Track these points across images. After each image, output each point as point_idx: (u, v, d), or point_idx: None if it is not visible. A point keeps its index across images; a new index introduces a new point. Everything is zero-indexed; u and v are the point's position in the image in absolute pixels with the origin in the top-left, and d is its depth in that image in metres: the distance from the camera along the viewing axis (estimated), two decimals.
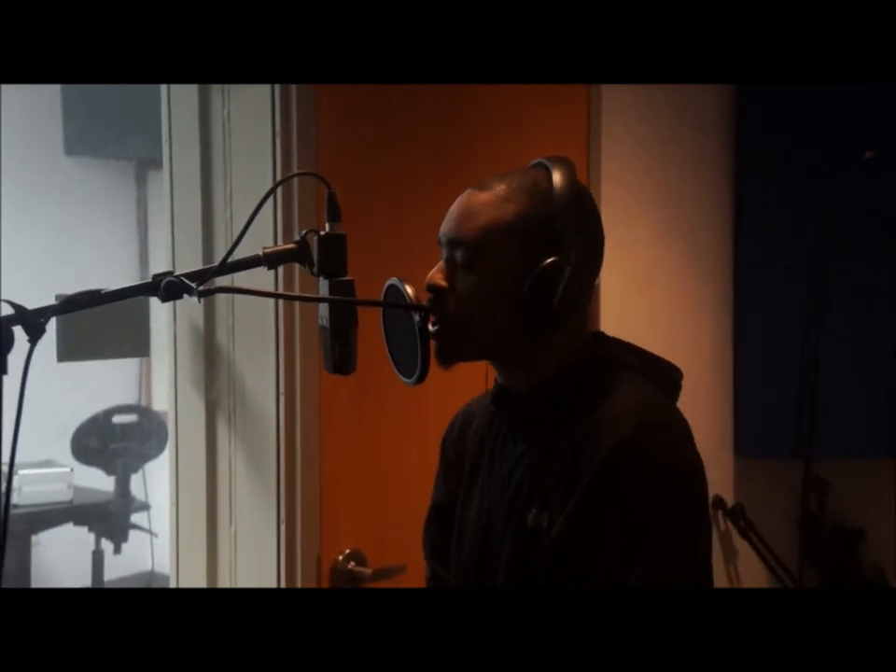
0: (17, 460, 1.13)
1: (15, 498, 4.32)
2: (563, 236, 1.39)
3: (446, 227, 1.45)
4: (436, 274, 1.43)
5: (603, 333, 1.55)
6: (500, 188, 1.42)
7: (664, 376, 1.48)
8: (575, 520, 1.35)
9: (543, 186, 1.41)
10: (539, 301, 1.39)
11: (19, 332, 1.12)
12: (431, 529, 1.66)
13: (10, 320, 1.11)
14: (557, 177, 1.41)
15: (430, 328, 1.42)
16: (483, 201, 1.42)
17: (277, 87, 2.09)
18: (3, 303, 1.12)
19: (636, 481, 1.33)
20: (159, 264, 4.43)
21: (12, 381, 1.10)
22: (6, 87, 5.14)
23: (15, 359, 1.11)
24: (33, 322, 1.12)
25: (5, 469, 1.17)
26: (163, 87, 2.25)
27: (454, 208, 1.45)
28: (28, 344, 1.12)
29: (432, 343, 1.42)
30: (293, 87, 2.09)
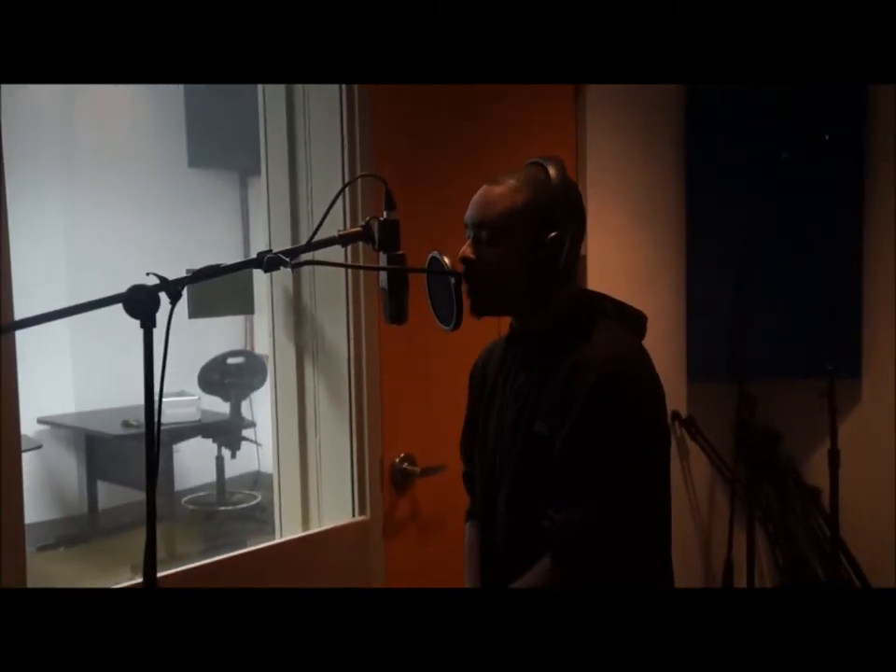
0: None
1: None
2: (559, 217, 1.38)
3: (472, 213, 1.44)
4: (466, 250, 1.43)
5: (589, 290, 1.54)
6: (511, 182, 1.41)
7: (633, 321, 1.48)
8: (576, 428, 1.35)
9: (542, 179, 1.40)
10: (548, 265, 1.39)
11: (162, 297, 1.12)
12: (464, 437, 1.68)
13: (156, 288, 1.11)
14: (552, 172, 1.40)
15: (465, 290, 1.41)
16: (499, 193, 1.41)
17: (344, 110, 2.07)
18: (150, 276, 1.12)
19: (613, 403, 1.34)
20: (257, 247, 4.44)
21: (158, 332, 1.10)
22: (140, 114, 5.13)
23: (160, 317, 1.11)
24: (172, 289, 1.12)
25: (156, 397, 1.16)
26: (261, 110, 2.22)
27: (476, 198, 1.44)
28: (169, 306, 1.12)
29: (467, 301, 1.42)
30: (356, 110, 2.07)
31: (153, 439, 1.09)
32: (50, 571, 4.20)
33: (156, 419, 1.08)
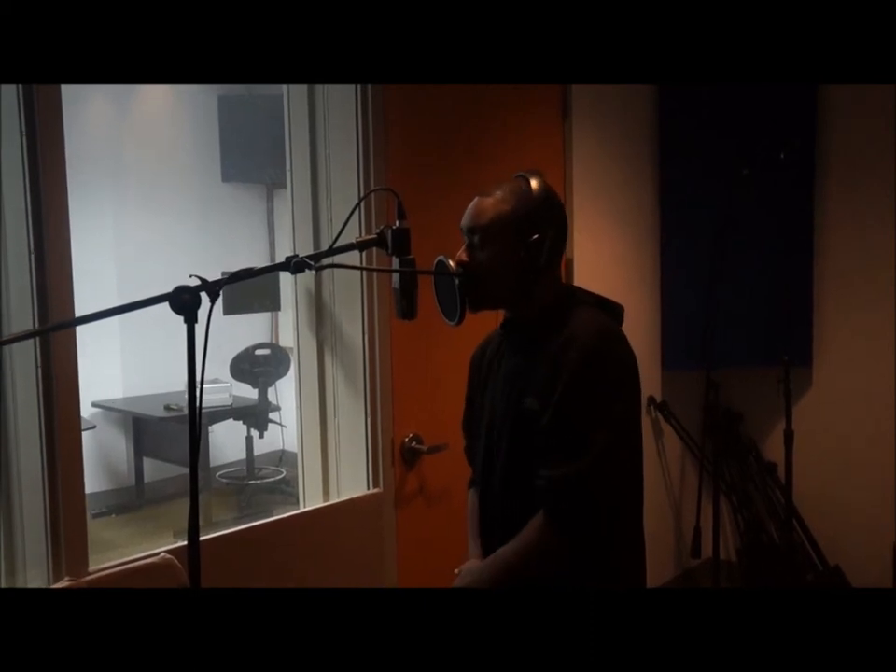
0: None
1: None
2: (539, 221, 1.40)
3: (465, 221, 1.44)
4: (462, 254, 1.44)
5: (572, 285, 1.54)
6: (498, 193, 1.42)
7: (611, 310, 1.49)
8: (564, 395, 1.35)
9: (525, 190, 1.41)
10: (531, 263, 1.39)
11: (202, 296, 1.11)
12: (465, 415, 1.67)
13: (198, 288, 1.10)
14: (533, 184, 1.42)
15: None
16: (487, 203, 1.42)
17: (360, 131, 2.05)
18: (192, 278, 1.11)
19: (598, 371, 1.35)
20: (282, 252, 4.43)
21: (199, 327, 1.09)
22: (180, 136, 5.12)
23: (200, 313, 1.10)
24: (211, 289, 1.11)
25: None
26: (286, 131, 2.21)
27: (469, 208, 1.45)
28: (209, 304, 1.11)
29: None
30: (371, 130, 2.05)
31: (195, 420, 1.08)
32: (104, 536, 4.20)
33: (198, 403, 1.07)
